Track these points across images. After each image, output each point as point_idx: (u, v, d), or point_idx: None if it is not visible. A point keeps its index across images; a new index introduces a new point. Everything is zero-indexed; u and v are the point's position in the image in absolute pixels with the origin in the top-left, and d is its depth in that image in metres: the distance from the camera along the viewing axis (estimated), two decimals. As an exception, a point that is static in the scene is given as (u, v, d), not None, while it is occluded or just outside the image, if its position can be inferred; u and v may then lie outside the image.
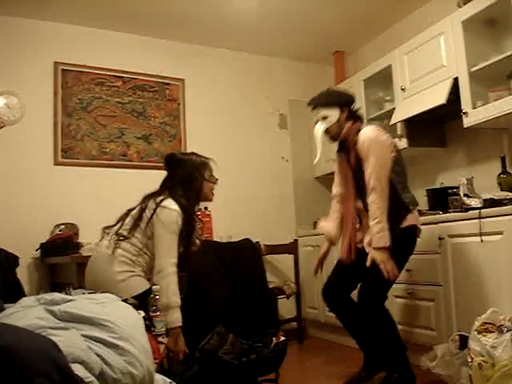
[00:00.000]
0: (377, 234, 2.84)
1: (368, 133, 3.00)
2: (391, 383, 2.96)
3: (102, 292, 2.14)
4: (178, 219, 2.81)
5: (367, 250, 2.97)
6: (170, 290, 2.63)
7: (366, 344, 3.22)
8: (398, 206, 2.96)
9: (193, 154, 3.15)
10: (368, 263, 2.86)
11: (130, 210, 2.98)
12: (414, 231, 3.05)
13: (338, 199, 3.36)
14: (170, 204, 2.84)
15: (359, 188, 3.10)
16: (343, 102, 3.14)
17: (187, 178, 2.98)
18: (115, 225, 2.96)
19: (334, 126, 3.11)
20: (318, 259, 3.38)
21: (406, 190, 3.07)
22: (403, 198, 3.01)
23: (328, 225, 3.38)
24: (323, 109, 3.12)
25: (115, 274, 2.75)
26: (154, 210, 2.81)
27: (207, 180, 3.06)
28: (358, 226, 3.22)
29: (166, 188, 2.98)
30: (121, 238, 2.84)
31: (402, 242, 2.98)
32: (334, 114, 3.10)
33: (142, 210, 2.88)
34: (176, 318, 2.61)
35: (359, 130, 3.06)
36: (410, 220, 3.01)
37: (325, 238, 3.39)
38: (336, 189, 3.38)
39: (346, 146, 3.15)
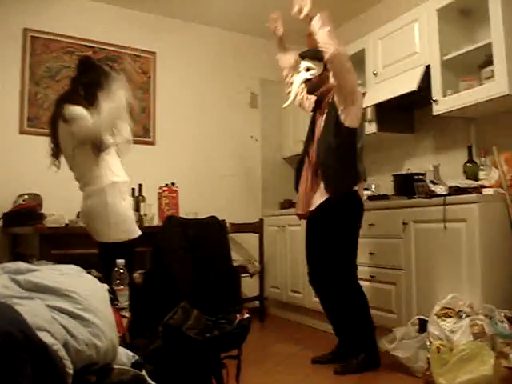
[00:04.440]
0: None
1: None
2: (357, 364, 3.04)
3: None
4: None
5: None
6: None
7: (342, 328, 3.28)
8: (352, 171, 3.12)
9: (111, 67, 3.18)
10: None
11: None
12: (359, 197, 3.18)
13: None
14: None
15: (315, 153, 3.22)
16: None
17: (93, 83, 2.99)
18: None
19: (314, 79, 3.24)
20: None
21: (361, 162, 3.21)
22: (358, 167, 3.16)
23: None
24: (309, 60, 3.25)
25: None
26: None
27: None
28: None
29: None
30: None
31: (350, 204, 3.14)
32: (317, 68, 3.22)
33: None
34: None
35: None
36: (357, 188, 3.16)
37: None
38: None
39: (320, 106, 3.26)
